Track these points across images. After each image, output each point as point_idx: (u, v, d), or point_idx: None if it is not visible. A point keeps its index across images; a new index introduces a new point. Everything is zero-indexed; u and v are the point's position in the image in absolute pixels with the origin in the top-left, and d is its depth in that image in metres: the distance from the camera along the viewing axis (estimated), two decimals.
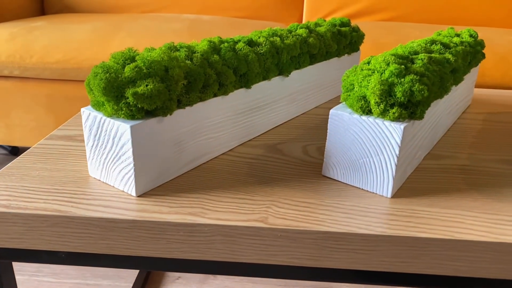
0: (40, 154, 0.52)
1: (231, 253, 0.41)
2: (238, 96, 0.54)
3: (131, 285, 1.03)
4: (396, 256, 0.40)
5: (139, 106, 0.41)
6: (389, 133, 0.43)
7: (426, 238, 0.39)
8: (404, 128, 0.43)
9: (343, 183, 0.48)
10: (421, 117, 0.45)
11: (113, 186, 0.45)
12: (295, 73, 0.65)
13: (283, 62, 0.61)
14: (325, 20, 0.79)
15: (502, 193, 0.48)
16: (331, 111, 0.47)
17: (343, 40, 0.76)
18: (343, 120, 0.46)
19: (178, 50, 0.48)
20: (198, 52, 0.49)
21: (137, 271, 1.07)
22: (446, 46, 0.59)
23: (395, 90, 0.43)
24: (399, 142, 0.43)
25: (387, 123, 0.43)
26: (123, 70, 0.41)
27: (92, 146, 0.45)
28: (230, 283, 1.06)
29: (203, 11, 1.72)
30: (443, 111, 0.58)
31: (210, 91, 0.48)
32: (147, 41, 1.13)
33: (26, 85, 1.17)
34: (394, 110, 0.43)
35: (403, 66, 0.45)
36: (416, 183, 0.49)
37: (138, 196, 0.44)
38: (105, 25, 1.22)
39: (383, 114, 0.44)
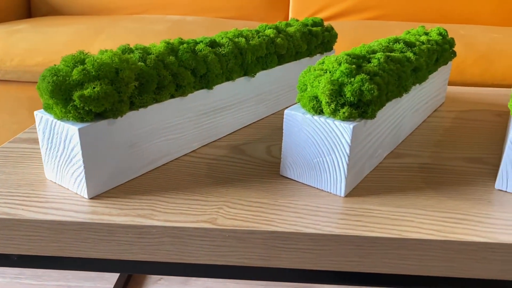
0: (0, 158, 0.52)
1: (181, 254, 0.41)
2: (199, 97, 0.54)
3: (112, 286, 1.03)
4: (344, 256, 0.40)
5: (87, 109, 0.41)
6: (339, 132, 0.43)
7: (373, 237, 0.39)
8: (354, 127, 0.43)
9: (300, 182, 0.48)
10: (372, 116, 0.45)
11: (67, 189, 0.45)
12: (262, 74, 0.65)
13: (248, 63, 0.61)
14: (297, 20, 0.79)
15: (458, 191, 0.48)
16: (286, 111, 0.47)
17: (314, 40, 0.76)
18: (297, 120, 0.46)
19: (132, 52, 0.48)
20: (153, 54, 0.49)
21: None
22: (409, 44, 0.59)
23: (345, 90, 0.43)
24: (349, 141, 0.43)
25: (337, 122, 0.43)
26: (72, 73, 0.41)
27: (46, 149, 0.45)
28: (212, 284, 1.07)
29: (190, 12, 1.72)
30: (406, 110, 0.58)
31: (166, 92, 0.48)
32: (127, 43, 1.13)
33: (7, 88, 1.17)
34: (344, 110, 0.43)
35: (354, 66, 0.45)
36: (373, 182, 0.49)
37: (91, 198, 0.44)
38: (86, 28, 1.22)
39: (334, 113, 0.44)
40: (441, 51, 0.67)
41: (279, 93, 0.71)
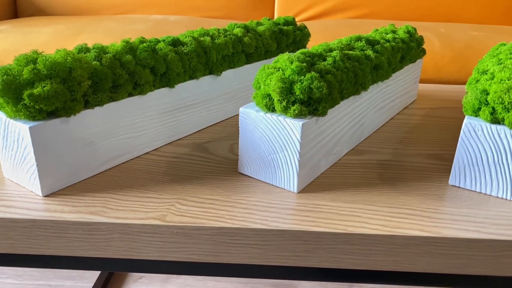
0: None
1: (131, 251, 0.42)
2: (160, 95, 0.55)
3: (92, 285, 1.03)
4: (291, 251, 0.41)
5: (37, 108, 0.41)
6: (290, 129, 0.44)
7: (319, 232, 0.40)
8: (303, 124, 0.43)
9: (256, 179, 0.49)
10: (323, 113, 0.45)
11: (23, 187, 0.46)
12: (229, 72, 0.66)
13: (212, 62, 0.61)
14: (269, 20, 0.80)
15: (412, 187, 0.48)
16: (240, 109, 0.47)
17: (285, 38, 0.77)
18: (251, 118, 0.47)
19: (88, 52, 0.48)
20: (110, 53, 0.49)
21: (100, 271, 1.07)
22: (371, 42, 0.60)
23: (295, 88, 0.44)
24: (299, 138, 0.44)
25: (288, 119, 0.44)
26: (23, 72, 0.42)
27: (2, 148, 0.46)
28: (192, 282, 1.07)
29: (176, 12, 1.73)
30: (368, 107, 0.59)
31: (123, 90, 0.49)
32: (107, 43, 1.14)
33: None
34: (294, 107, 0.44)
35: (304, 64, 0.45)
36: (329, 178, 0.50)
37: (45, 196, 0.44)
38: (67, 28, 1.22)
39: (285, 111, 0.44)
40: (407, 49, 0.68)
41: (248, 92, 0.72)
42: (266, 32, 0.73)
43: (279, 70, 0.46)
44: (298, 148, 0.44)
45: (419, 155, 0.57)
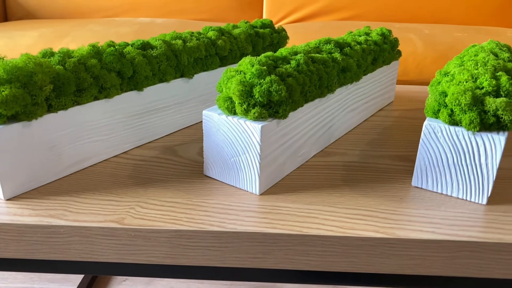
0: None
1: (90, 253, 0.42)
2: (128, 99, 0.55)
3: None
4: (248, 252, 0.41)
5: None
6: (250, 132, 0.44)
7: (274, 233, 0.40)
8: (263, 127, 0.44)
9: (220, 182, 0.49)
10: (284, 116, 0.46)
11: None
12: (203, 75, 0.66)
13: (183, 65, 0.62)
14: (246, 22, 0.80)
15: (374, 188, 0.49)
16: (203, 111, 0.48)
17: (261, 41, 0.77)
18: (214, 121, 0.47)
19: (53, 56, 0.49)
20: (75, 57, 0.49)
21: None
22: (340, 45, 0.60)
23: (254, 91, 0.44)
24: (259, 140, 0.44)
25: (248, 122, 0.44)
26: None
27: None
28: (176, 284, 1.07)
29: (164, 15, 1.73)
30: (337, 110, 0.59)
31: (88, 94, 0.49)
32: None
33: None
34: (254, 110, 0.44)
35: (265, 68, 0.46)
36: (294, 180, 0.50)
37: (7, 200, 0.45)
38: (52, 31, 1.23)
39: (246, 114, 0.45)
40: (380, 51, 0.69)
41: None
42: (242, 35, 0.73)
43: (240, 73, 0.47)
44: (259, 151, 0.45)
45: (386, 156, 0.57)
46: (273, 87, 0.44)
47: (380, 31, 0.73)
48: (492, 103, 0.43)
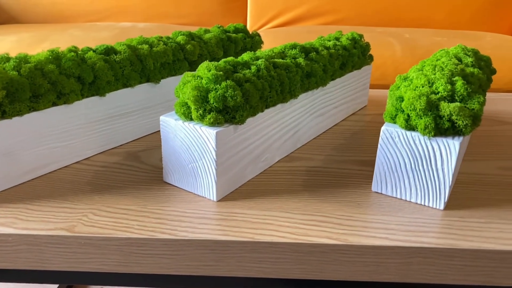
0: None
1: (40, 262, 0.41)
2: (90, 104, 0.54)
3: None
4: (200, 260, 0.41)
5: None
6: (206, 138, 0.44)
7: (225, 241, 0.40)
8: (218, 132, 0.43)
9: (179, 188, 0.49)
10: (241, 121, 0.45)
11: None
12: (170, 80, 0.66)
13: (149, 69, 0.61)
14: (219, 27, 0.80)
15: (334, 193, 0.48)
16: (161, 117, 0.47)
17: (233, 46, 0.77)
18: (171, 126, 0.47)
19: (8, 61, 0.48)
20: (31, 63, 0.49)
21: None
22: (306, 50, 0.60)
23: (209, 96, 0.44)
24: (214, 146, 0.44)
25: (203, 128, 0.44)
26: None
27: None
28: None
29: (149, 19, 1.73)
30: (303, 115, 0.59)
31: (45, 100, 0.49)
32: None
33: None
34: (210, 116, 0.44)
35: (221, 73, 0.45)
36: (254, 185, 0.50)
37: None
38: (31, 36, 1.22)
39: (202, 119, 0.44)
40: (348, 56, 0.69)
41: None
42: (212, 39, 0.73)
43: (197, 78, 0.46)
44: (214, 156, 0.44)
45: (350, 161, 0.57)
46: (229, 93, 0.44)
47: (350, 36, 0.73)
48: (446, 108, 0.42)
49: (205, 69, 0.46)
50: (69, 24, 1.52)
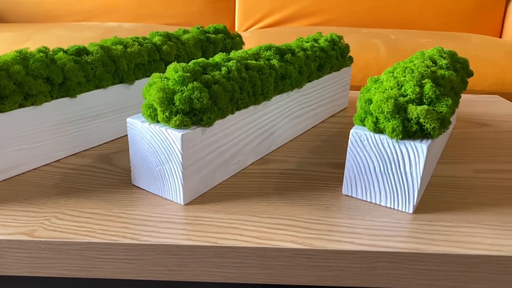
0: None
1: (0, 266, 0.40)
2: (59, 106, 0.54)
3: None
4: (163, 265, 0.40)
5: None
6: (172, 140, 0.43)
7: (188, 245, 0.39)
8: (184, 135, 0.43)
9: (147, 191, 0.48)
10: (209, 124, 0.45)
11: None
12: (146, 81, 0.65)
13: (123, 70, 0.61)
14: (199, 28, 0.79)
15: (304, 196, 0.48)
16: (128, 119, 0.46)
17: (212, 47, 0.77)
18: (137, 128, 0.46)
19: None
20: None
21: None
22: (281, 52, 0.60)
23: (175, 98, 0.43)
24: (180, 149, 0.43)
25: (169, 130, 0.43)
26: None
27: None
28: None
29: (136, 19, 1.72)
30: (278, 116, 0.59)
31: (11, 102, 0.48)
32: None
33: None
34: (175, 118, 0.43)
35: (188, 74, 0.45)
36: (225, 188, 0.49)
37: None
38: (14, 36, 1.21)
39: (168, 121, 0.44)
40: (326, 58, 0.68)
41: None
42: (190, 40, 0.72)
43: (164, 80, 0.46)
44: (181, 159, 0.43)
45: (325, 164, 0.56)
46: (195, 95, 0.43)
47: (329, 37, 0.73)
48: (414, 111, 0.42)
49: (173, 71, 0.46)
50: (54, 24, 1.50)
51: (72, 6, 1.69)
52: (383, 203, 0.46)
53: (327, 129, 0.70)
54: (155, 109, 0.45)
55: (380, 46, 1.18)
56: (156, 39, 0.68)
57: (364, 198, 0.47)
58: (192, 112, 0.44)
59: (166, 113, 0.44)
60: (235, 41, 0.82)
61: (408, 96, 0.44)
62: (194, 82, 0.44)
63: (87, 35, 1.24)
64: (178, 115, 0.43)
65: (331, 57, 0.69)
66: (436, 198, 0.49)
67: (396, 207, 0.46)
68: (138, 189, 0.49)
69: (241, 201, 0.47)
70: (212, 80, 0.46)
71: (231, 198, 0.47)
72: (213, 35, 0.78)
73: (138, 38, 0.68)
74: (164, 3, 1.69)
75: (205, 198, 0.47)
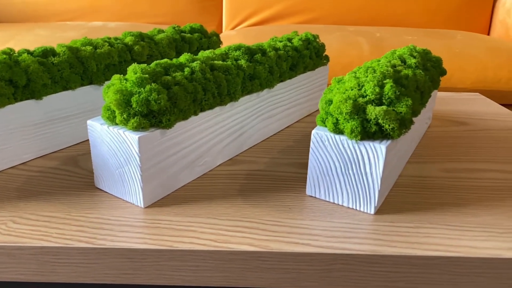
0: None
1: None
2: (24, 108, 0.53)
3: None
4: (118, 268, 0.40)
5: None
6: (129, 143, 0.43)
7: (142, 249, 0.39)
8: (141, 138, 0.42)
9: (110, 194, 0.48)
10: (168, 126, 0.44)
11: None
12: None
13: (92, 72, 0.60)
14: (175, 27, 0.79)
15: (267, 197, 0.48)
16: (88, 121, 0.46)
17: (187, 46, 0.76)
18: (97, 131, 0.46)
19: None
20: None
21: None
22: (251, 52, 0.59)
23: (132, 100, 0.43)
24: (137, 151, 0.43)
25: (127, 132, 0.43)
26: None
27: None
28: None
29: (123, 18, 1.71)
30: (248, 117, 0.58)
31: None
32: None
33: None
34: (133, 120, 0.43)
35: (146, 76, 0.44)
36: (189, 190, 0.49)
37: None
38: None
39: (126, 124, 0.43)
40: (299, 57, 0.68)
41: None
42: (164, 40, 0.72)
43: (123, 81, 0.45)
44: (139, 162, 0.43)
45: (293, 164, 0.56)
46: (152, 96, 0.43)
47: (304, 37, 0.72)
48: (372, 111, 0.42)
49: (132, 72, 0.45)
50: (37, 24, 1.49)
51: (59, 5, 1.69)
52: (345, 204, 0.46)
53: (301, 128, 0.69)
54: (114, 111, 0.44)
55: (363, 44, 1.18)
56: (128, 39, 0.67)
57: (328, 199, 0.47)
58: (151, 114, 0.44)
59: (124, 115, 0.43)
60: (212, 41, 0.82)
61: (367, 97, 0.43)
62: (153, 84, 0.44)
63: (70, 35, 1.23)
64: (136, 117, 0.43)
65: (304, 56, 0.69)
66: (400, 198, 0.48)
67: (358, 208, 0.45)
68: (101, 192, 0.48)
69: (203, 204, 0.46)
70: (172, 81, 0.46)
71: (194, 200, 0.47)
72: (189, 35, 0.77)
73: (110, 38, 0.67)
74: (151, 2, 1.69)
75: (168, 200, 0.47)
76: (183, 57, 0.52)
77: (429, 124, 0.73)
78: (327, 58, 0.77)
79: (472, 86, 1.08)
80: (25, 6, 1.69)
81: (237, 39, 1.33)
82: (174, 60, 0.51)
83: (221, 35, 1.54)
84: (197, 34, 0.79)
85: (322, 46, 0.75)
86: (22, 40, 1.17)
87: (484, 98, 0.91)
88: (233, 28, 1.70)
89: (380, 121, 0.42)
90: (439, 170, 0.56)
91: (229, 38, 1.40)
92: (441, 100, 0.88)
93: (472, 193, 0.50)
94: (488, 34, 1.68)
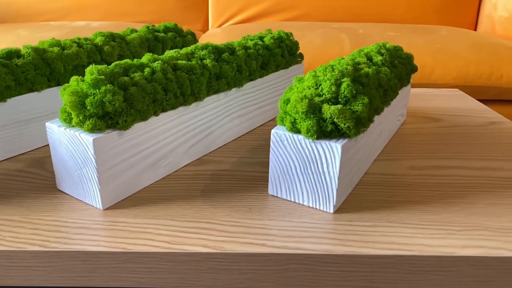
0: None
1: None
2: None
3: None
4: (73, 271, 0.39)
5: None
6: (85, 145, 0.43)
7: (95, 251, 0.39)
8: (96, 139, 0.42)
9: (70, 196, 0.48)
10: (125, 127, 0.44)
11: None
12: None
13: (59, 73, 0.60)
14: (149, 27, 0.78)
15: (229, 198, 0.48)
16: (46, 123, 0.46)
17: (160, 46, 0.76)
18: (55, 132, 0.45)
19: None
20: None
21: None
22: (218, 51, 0.59)
23: (87, 102, 0.43)
24: (93, 153, 0.42)
25: (82, 134, 0.43)
26: None
27: None
28: None
29: (110, 17, 1.70)
30: (216, 116, 0.58)
31: None
32: None
33: None
34: (88, 122, 0.43)
35: (102, 77, 0.44)
36: (151, 192, 0.49)
37: None
38: None
39: (82, 125, 0.43)
40: (270, 56, 0.67)
41: None
42: (136, 39, 0.72)
43: (80, 82, 0.45)
44: (95, 164, 0.43)
45: (261, 163, 0.56)
46: (107, 98, 0.43)
47: (277, 35, 0.72)
48: (327, 110, 0.42)
49: (88, 73, 0.45)
50: (20, 24, 1.49)
51: (44, 5, 1.68)
52: (305, 203, 0.46)
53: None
54: (70, 113, 0.44)
55: (345, 41, 1.17)
56: (98, 39, 0.67)
57: (289, 198, 0.47)
58: (107, 115, 0.44)
59: (80, 117, 0.43)
60: (187, 40, 0.82)
61: (324, 96, 0.43)
62: (108, 85, 0.43)
63: (51, 34, 1.23)
64: (91, 119, 0.43)
65: (276, 54, 0.68)
66: (362, 197, 0.48)
67: (317, 207, 0.45)
68: (63, 194, 0.48)
69: (163, 205, 0.46)
70: (130, 82, 0.46)
71: (154, 201, 0.47)
72: (162, 34, 0.77)
73: (80, 39, 0.67)
74: (136, 0, 1.68)
75: (128, 202, 0.47)
76: (145, 57, 0.52)
77: (402, 121, 0.73)
78: (301, 56, 0.77)
79: (453, 82, 1.08)
80: (8, 6, 1.68)
81: (222, 37, 1.33)
82: (135, 61, 0.51)
83: (206, 33, 1.54)
84: (171, 33, 0.79)
85: (296, 44, 0.75)
86: (3, 40, 1.16)
87: (462, 94, 0.91)
88: (219, 26, 1.70)
89: (335, 120, 0.42)
90: (406, 167, 0.56)
91: (214, 36, 1.40)
92: (417, 97, 0.88)
93: (435, 191, 0.50)
94: (475, 29, 1.68)
